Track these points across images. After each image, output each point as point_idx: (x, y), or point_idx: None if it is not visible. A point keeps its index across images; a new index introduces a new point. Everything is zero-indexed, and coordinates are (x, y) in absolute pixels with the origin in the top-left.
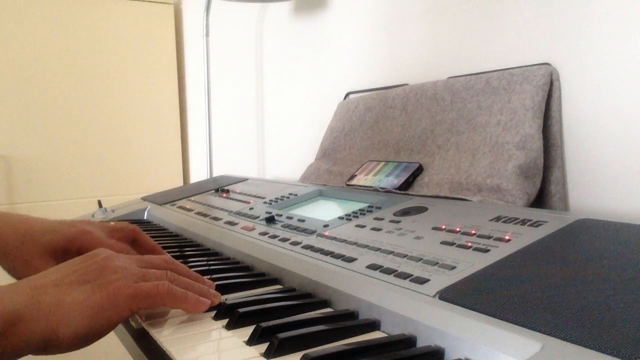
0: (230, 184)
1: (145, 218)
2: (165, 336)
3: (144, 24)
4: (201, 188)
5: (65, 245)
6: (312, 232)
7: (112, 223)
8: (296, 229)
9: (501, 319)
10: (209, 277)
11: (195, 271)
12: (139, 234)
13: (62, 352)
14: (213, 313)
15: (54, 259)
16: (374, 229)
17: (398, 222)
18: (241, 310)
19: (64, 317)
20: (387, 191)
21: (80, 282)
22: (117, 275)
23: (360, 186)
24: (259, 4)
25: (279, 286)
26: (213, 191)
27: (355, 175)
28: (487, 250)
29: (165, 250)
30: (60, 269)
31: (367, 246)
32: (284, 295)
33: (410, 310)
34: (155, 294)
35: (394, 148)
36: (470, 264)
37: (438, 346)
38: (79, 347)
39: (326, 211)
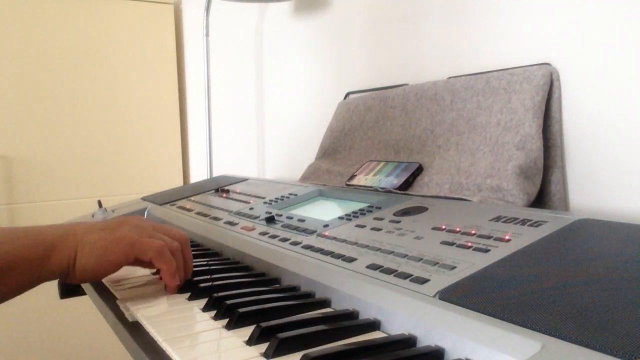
0: (230, 184)
1: (145, 218)
2: (165, 336)
3: (144, 24)
4: (201, 188)
5: None
6: (312, 232)
7: None
8: (296, 229)
9: (501, 319)
10: (208, 276)
11: (195, 271)
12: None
13: (77, 282)
14: (213, 313)
15: None
16: (374, 229)
17: (398, 222)
18: (241, 310)
19: (80, 252)
20: (387, 191)
21: (98, 229)
22: (127, 228)
23: (360, 186)
24: (258, 4)
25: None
26: (213, 191)
27: (355, 175)
28: (487, 250)
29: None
30: (95, 221)
31: (367, 246)
32: (284, 295)
33: (410, 310)
34: (148, 247)
35: (394, 148)
36: (470, 264)
37: (438, 346)
38: (88, 280)
39: (326, 211)
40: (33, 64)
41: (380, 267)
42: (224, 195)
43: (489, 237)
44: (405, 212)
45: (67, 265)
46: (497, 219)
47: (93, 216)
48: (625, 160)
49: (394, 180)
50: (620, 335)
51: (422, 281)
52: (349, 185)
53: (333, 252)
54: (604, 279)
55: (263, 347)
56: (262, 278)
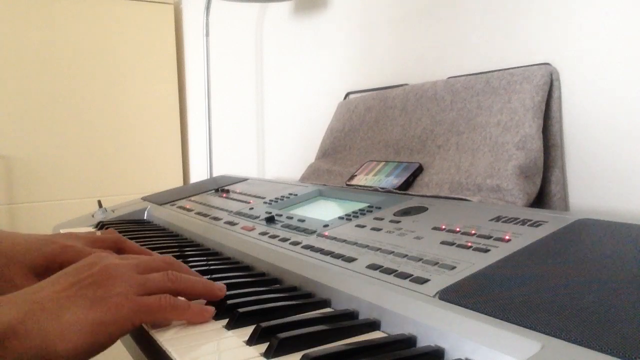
0: (230, 184)
1: (145, 218)
2: (165, 336)
3: (144, 24)
4: (201, 188)
5: (47, 264)
6: (312, 232)
7: (98, 233)
8: (296, 229)
9: (501, 319)
10: (208, 277)
11: (195, 271)
12: (124, 242)
13: None
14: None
15: (37, 276)
16: (374, 229)
17: (398, 222)
18: (241, 310)
19: (63, 333)
20: (387, 191)
21: (78, 296)
22: (117, 288)
23: (360, 186)
24: (259, 4)
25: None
26: (213, 191)
27: (355, 175)
28: (487, 250)
29: (156, 253)
30: (58, 280)
31: (367, 246)
32: (284, 295)
33: (410, 310)
34: (157, 308)
35: (394, 148)
36: (470, 264)
37: (438, 346)
38: None
39: (326, 211)
40: (33, 64)
41: (380, 267)
42: (224, 195)
43: (489, 237)
44: (405, 212)
45: (39, 353)
46: (497, 219)
47: (93, 216)
48: (625, 160)
49: (394, 180)
50: (620, 335)
51: (422, 281)
52: (349, 185)
53: (333, 252)
54: (604, 279)
55: (263, 347)
56: (262, 278)
